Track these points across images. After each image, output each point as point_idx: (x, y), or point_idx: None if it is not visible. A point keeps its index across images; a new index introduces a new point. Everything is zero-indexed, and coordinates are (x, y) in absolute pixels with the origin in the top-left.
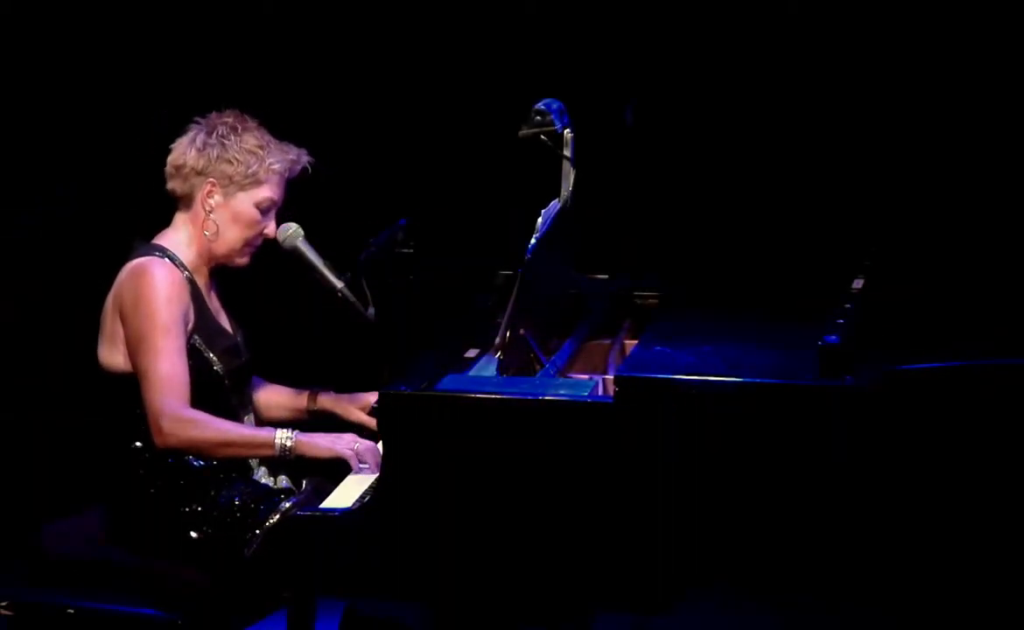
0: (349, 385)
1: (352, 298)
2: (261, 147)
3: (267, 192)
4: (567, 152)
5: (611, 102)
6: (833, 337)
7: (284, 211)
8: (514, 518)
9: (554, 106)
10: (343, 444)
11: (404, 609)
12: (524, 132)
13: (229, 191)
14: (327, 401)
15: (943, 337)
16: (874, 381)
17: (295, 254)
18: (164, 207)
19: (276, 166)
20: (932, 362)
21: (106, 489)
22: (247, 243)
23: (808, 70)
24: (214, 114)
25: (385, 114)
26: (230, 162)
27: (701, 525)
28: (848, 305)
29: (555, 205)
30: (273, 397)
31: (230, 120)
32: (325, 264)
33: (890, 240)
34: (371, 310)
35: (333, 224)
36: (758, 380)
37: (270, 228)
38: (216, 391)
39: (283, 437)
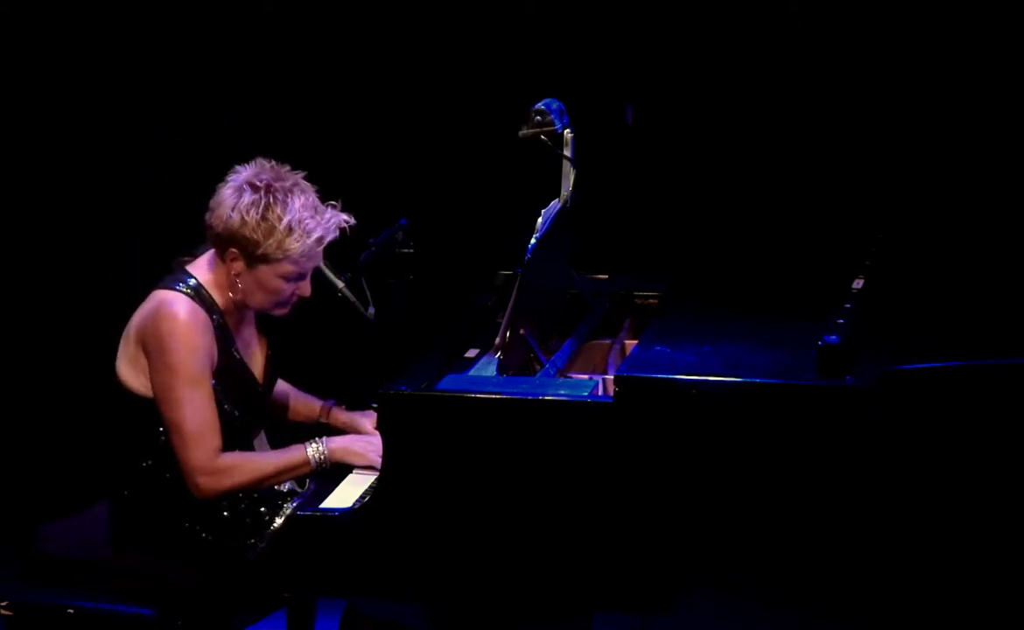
0: (349, 384)
1: (352, 298)
2: (283, 228)
3: (291, 267)
4: (567, 152)
5: (611, 102)
6: (833, 337)
7: None
8: (514, 518)
9: (554, 106)
10: (375, 450)
11: (404, 609)
12: (524, 132)
13: (251, 263)
14: (341, 417)
15: (943, 336)
16: (874, 381)
17: None
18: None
19: (295, 249)
20: (932, 362)
21: (109, 491)
22: (277, 305)
23: (808, 69)
24: (254, 168)
25: (385, 114)
26: (248, 239)
27: (701, 525)
28: (848, 305)
29: (555, 205)
30: (284, 398)
31: (260, 186)
32: (325, 264)
33: (891, 239)
34: (371, 310)
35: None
36: (758, 380)
37: (304, 289)
38: (227, 430)
39: (315, 451)
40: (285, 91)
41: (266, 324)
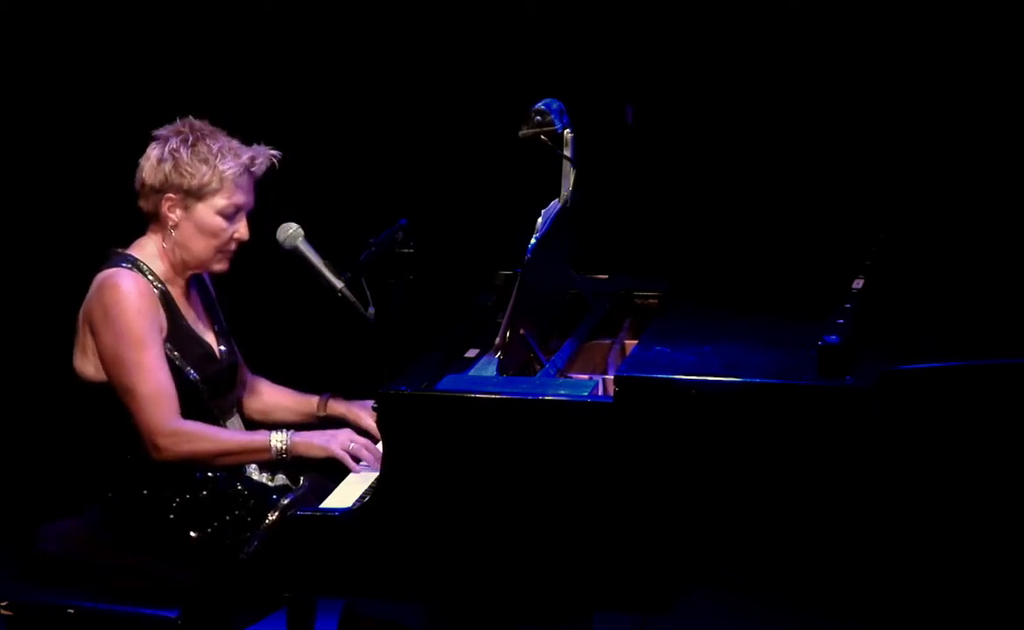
0: (349, 385)
1: (352, 298)
2: (213, 154)
3: (226, 199)
4: (567, 152)
5: (611, 102)
6: (833, 337)
7: (285, 211)
8: (514, 518)
9: (554, 106)
10: (338, 443)
11: (404, 609)
12: (524, 132)
13: (187, 203)
14: (339, 407)
15: (943, 336)
16: (874, 381)
17: (295, 254)
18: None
19: (229, 172)
20: (932, 362)
21: (102, 489)
22: (217, 250)
23: (808, 70)
24: (174, 124)
25: (385, 114)
26: (183, 175)
27: (701, 525)
28: (848, 305)
29: (555, 205)
30: (280, 399)
31: (184, 129)
32: (325, 264)
33: (891, 239)
34: (371, 310)
35: (333, 224)
36: (758, 380)
37: (241, 231)
38: (193, 399)
39: (278, 440)
40: (285, 91)
41: (214, 306)
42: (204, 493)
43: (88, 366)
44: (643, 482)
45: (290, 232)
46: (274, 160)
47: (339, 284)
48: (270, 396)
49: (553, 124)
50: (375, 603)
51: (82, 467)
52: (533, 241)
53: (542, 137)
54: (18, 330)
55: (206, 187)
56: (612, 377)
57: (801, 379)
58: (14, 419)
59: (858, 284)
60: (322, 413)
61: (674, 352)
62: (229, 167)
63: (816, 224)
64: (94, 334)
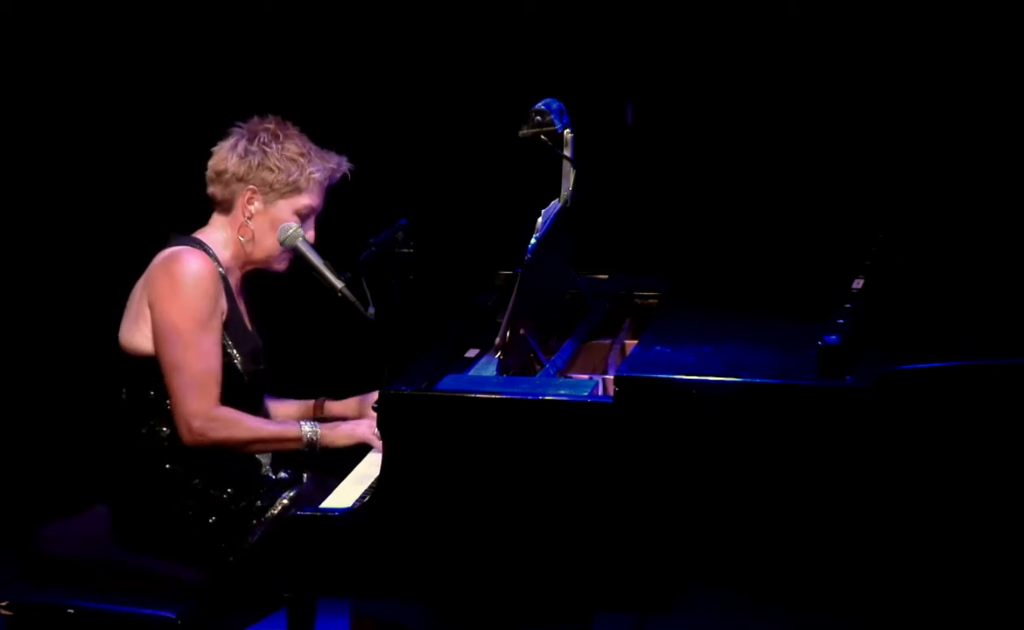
0: (350, 385)
1: (352, 298)
2: (302, 155)
3: (307, 200)
4: (567, 152)
5: (611, 102)
6: (833, 337)
7: None
8: (514, 518)
9: (554, 106)
10: (363, 429)
11: (404, 609)
12: (524, 132)
13: (269, 198)
14: (336, 408)
15: (943, 336)
16: (874, 381)
17: (295, 254)
18: (193, 210)
19: (317, 175)
20: (932, 362)
21: (108, 478)
22: (285, 249)
23: (808, 70)
24: (255, 119)
25: (385, 114)
26: (271, 170)
27: (701, 525)
28: (848, 305)
29: (555, 205)
30: (281, 410)
31: (272, 126)
32: (325, 264)
33: (891, 239)
34: (371, 310)
35: (333, 224)
36: (758, 380)
37: (309, 235)
38: (236, 390)
39: (308, 430)
40: (285, 91)
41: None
42: (209, 485)
43: (139, 337)
44: (643, 482)
45: (290, 232)
46: (348, 174)
47: (339, 284)
48: (274, 407)
49: (553, 124)
50: (376, 603)
51: (83, 468)
52: (533, 241)
53: (542, 137)
54: (18, 330)
55: (292, 186)
56: (612, 377)
57: (801, 379)
58: (14, 419)
59: (858, 284)
60: (320, 415)
61: (674, 352)
62: (317, 170)
63: (816, 224)
64: (152, 305)
